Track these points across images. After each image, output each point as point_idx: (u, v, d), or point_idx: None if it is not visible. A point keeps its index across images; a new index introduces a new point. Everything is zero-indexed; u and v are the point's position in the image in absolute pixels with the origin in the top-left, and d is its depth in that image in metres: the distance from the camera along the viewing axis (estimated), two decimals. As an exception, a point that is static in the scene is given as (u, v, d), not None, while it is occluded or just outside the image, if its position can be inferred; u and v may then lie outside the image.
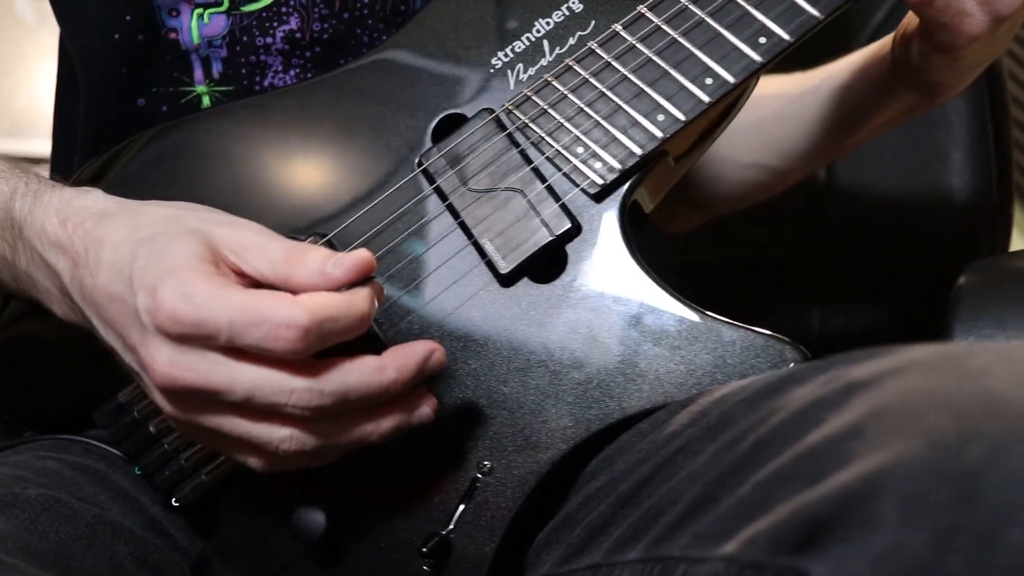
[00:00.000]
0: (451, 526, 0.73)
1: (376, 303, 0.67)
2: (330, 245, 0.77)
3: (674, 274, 0.98)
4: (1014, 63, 1.92)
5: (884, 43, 0.89)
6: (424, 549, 0.72)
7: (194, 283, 0.64)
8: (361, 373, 0.65)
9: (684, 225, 1.10)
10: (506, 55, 0.78)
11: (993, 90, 1.20)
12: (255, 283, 0.67)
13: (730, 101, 0.76)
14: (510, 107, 0.76)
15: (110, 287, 0.67)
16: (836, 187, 1.23)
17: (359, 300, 0.65)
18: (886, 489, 0.47)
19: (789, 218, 1.25)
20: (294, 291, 0.65)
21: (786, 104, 0.97)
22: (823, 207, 1.24)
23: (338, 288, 0.65)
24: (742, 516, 0.54)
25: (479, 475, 0.73)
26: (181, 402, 0.66)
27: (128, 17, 0.87)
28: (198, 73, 0.88)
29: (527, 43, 0.77)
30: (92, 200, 0.73)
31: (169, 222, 0.68)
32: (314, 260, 0.65)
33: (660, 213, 1.06)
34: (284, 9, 0.87)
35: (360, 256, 0.66)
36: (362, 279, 0.66)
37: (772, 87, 0.98)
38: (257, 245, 0.67)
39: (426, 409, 0.69)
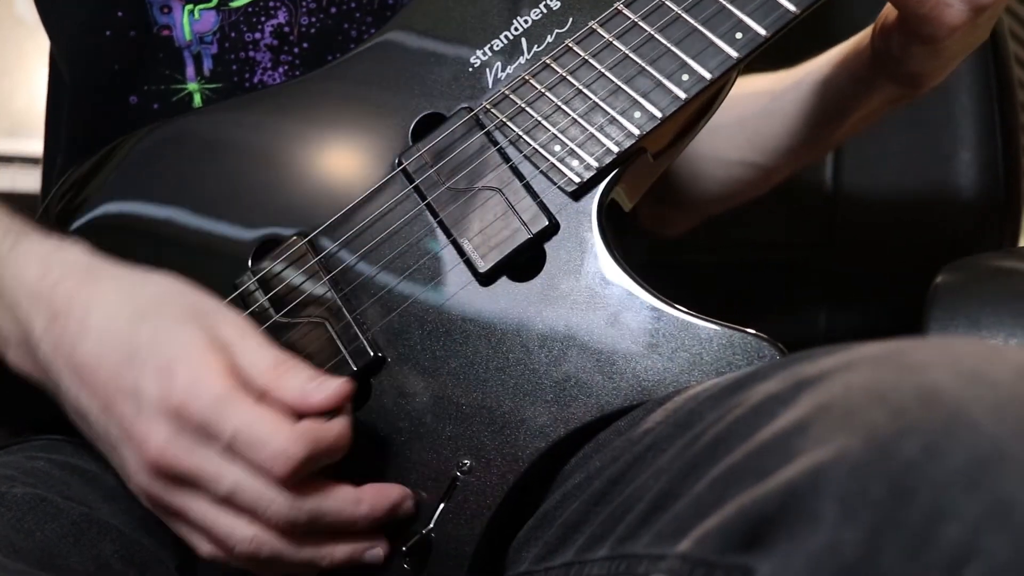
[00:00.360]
0: (431, 525, 0.73)
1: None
2: (311, 244, 0.77)
3: (677, 274, 0.99)
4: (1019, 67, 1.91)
5: (863, 36, 0.89)
6: (404, 548, 0.72)
7: (210, 379, 0.66)
8: (339, 501, 0.68)
9: (676, 228, 1.10)
10: (484, 53, 0.78)
11: (1001, 90, 1.19)
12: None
13: (708, 97, 0.75)
14: (488, 106, 0.76)
15: (103, 356, 0.68)
16: (843, 188, 1.23)
17: (344, 432, 0.68)
18: (826, 485, 0.48)
19: (797, 219, 1.24)
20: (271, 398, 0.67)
21: (769, 101, 0.97)
22: (830, 208, 1.23)
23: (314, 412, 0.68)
24: (697, 514, 0.54)
25: (459, 474, 0.73)
26: (162, 481, 0.68)
27: (120, 14, 0.87)
28: (190, 70, 0.88)
29: (505, 41, 0.77)
30: (76, 255, 0.73)
31: (169, 301, 0.70)
32: (297, 379, 0.68)
33: (651, 217, 1.06)
34: (272, 3, 0.87)
35: (341, 385, 0.68)
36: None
37: (755, 85, 0.97)
38: (250, 347, 0.69)
39: (378, 551, 0.71)
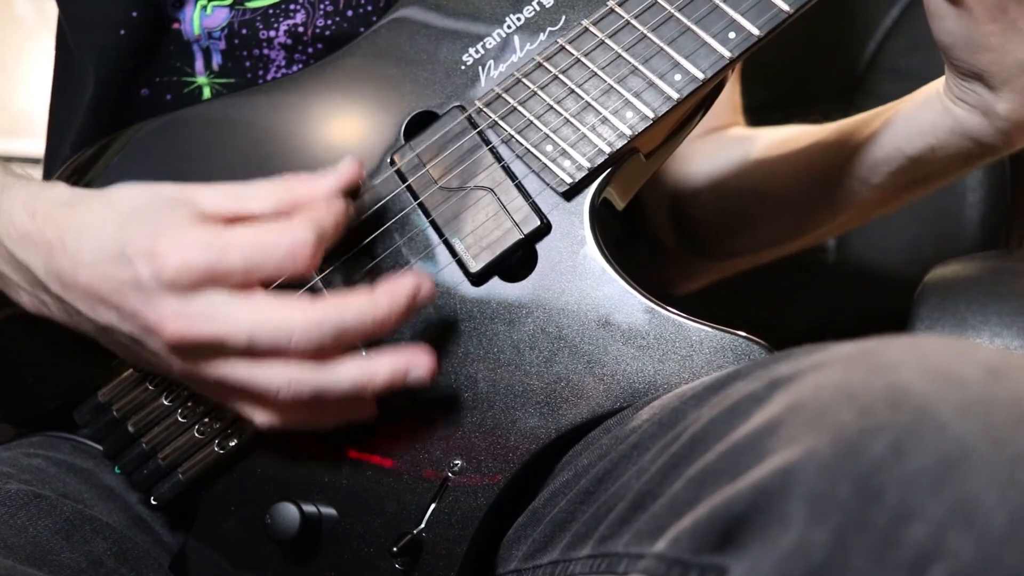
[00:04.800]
0: (422, 525, 0.73)
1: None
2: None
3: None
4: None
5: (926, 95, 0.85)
6: (395, 548, 0.72)
7: (194, 234, 0.67)
8: (356, 307, 0.67)
9: (694, 284, 1.10)
10: (477, 51, 0.77)
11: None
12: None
13: (701, 97, 0.75)
14: (480, 105, 0.76)
15: (97, 265, 0.68)
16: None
17: (340, 204, 0.71)
18: (795, 486, 0.47)
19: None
20: (295, 210, 0.70)
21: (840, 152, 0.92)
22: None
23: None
24: (673, 513, 0.54)
25: (450, 474, 0.73)
26: (189, 356, 0.69)
27: (134, 14, 0.87)
28: (199, 64, 0.89)
29: (498, 39, 0.77)
30: (59, 191, 0.74)
31: (146, 195, 0.70)
32: (313, 176, 0.72)
33: (676, 272, 1.05)
34: (292, 6, 0.87)
35: (353, 164, 0.72)
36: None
37: (823, 134, 0.95)
38: (248, 185, 0.71)
39: (421, 370, 0.69)
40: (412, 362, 0.69)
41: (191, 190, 0.70)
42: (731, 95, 1.06)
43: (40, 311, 0.75)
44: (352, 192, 0.74)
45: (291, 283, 0.76)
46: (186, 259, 0.66)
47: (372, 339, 0.70)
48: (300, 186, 0.71)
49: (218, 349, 0.67)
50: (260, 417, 0.71)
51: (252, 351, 0.67)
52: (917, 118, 0.83)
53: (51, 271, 0.71)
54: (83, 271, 0.69)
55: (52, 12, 0.98)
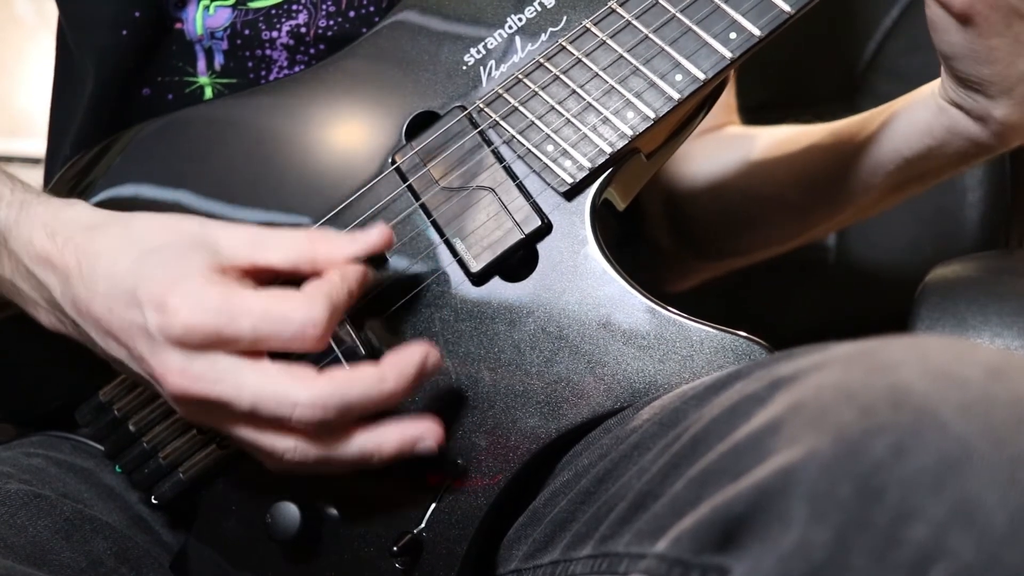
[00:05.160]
0: (423, 525, 0.73)
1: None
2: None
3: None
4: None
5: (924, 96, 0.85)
6: (396, 548, 0.72)
7: (206, 292, 0.65)
8: (361, 384, 0.66)
9: (690, 281, 1.10)
10: (478, 52, 0.78)
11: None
12: (265, 279, 0.69)
13: (703, 97, 0.75)
14: (481, 105, 0.76)
15: (110, 300, 0.68)
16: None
17: (358, 273, 0.69)
18: (796, 486, 0.48)
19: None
20: (317, 270, 0.68)
21: (836, 151, 0.93)
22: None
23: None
24: (674, 513, 0.54)
25: (451, 474, 0.73)
26: (194, 409, 0.68)
27: (137, 14, 0.87)
28: (201, 64, 0.89)
29: (499, 40, 0.77)
30: (79, 212, 0.73)
31: (168, 232, 0.69)
32: (339, 236, 0.70)
33: (674, 269, 1.05)
34: (295, 7, 0.87)
35: (382, 229, 0.70)
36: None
37: (819, 134, 0.95)
38: (271, 235, 0.69)
39: (430, 443, 0.68)
40: (421, 434, 0.68)
41: (213, 229, 0.69)
42: (725, 94, 1.06)
43: (58, 329, 0.75)
44: (376, 260, 0.72)
45: None
46: (194, 320, 0.65)
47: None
48: (323, 245, 0.69)
49: (222, 409, 0.67)
50: (270, 465, 0.70)
51: (255, 418, 0.66)
52: (913, 119, 0.83)
53: (67, 295, 0.71)
54: (97, 303, 0.69)
55: (52, 12, 0.98)
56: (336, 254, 0.69)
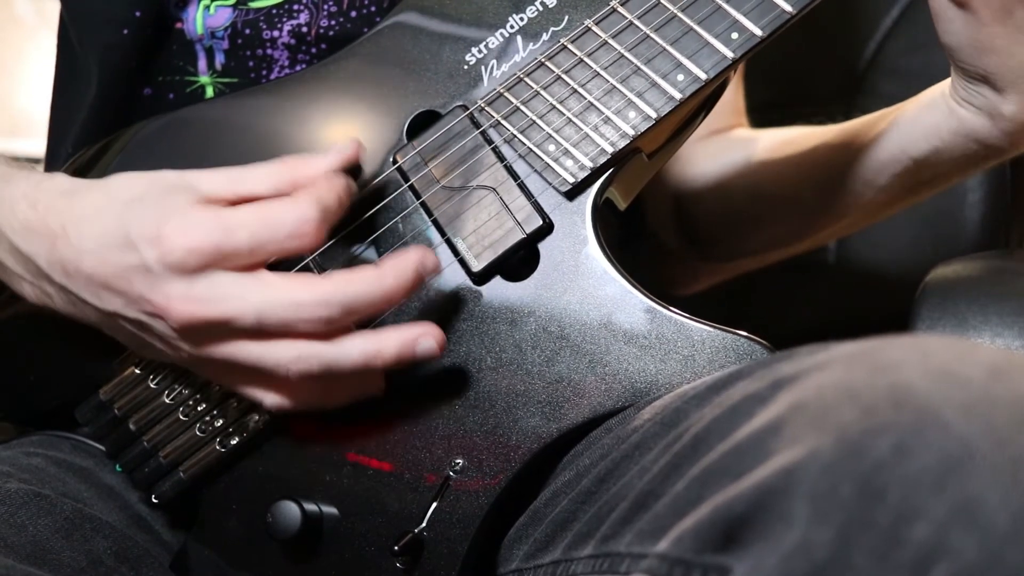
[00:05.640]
0: (423, 524, 0.73)
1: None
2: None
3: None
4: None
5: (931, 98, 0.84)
6: (396, 547, 0.72)
7: (198, 216, 0.67)
8: (362, 282, 0.68)
9: (696, 285, 1.10)
10: (479, 51, 0.77)
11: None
12: None
13: (704, 97, 0.75)
14: (483, 104, 0.76)
15: (101, 252, 0.69)
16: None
17: (341, 181, 0.71)
18: (798, 485, 0.47)
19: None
20: (296, 190, 0.69)
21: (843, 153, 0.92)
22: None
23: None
24: (675, 513, 0.54)
25: (451, 474, 0.73)
26: (198, 338, 0.69)
27: (137, 13, 0.87)
28: (202, 63, 0.89)
29: (500, 39, 0.77)
30: (59, 181, 0.74)
31: (147, 181, 0.71)
32: (314, 156, 0.72)
33: (681, 271, 1.06)
34: (296, 7, 0.87)
35: (352, 143, 0.73)
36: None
37: (828, 135, 0.95)
38: (249, 167, 0.71)
39: (429, 340, 0.69)
40: (421, 334, 0.69)
41: (191, 175, 0.70)
42: (734, 97, 1.06)
43: (43, 302, 0.75)
44: (353, 172, 0.73)
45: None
46: (192, 241, 0.66)
47: (379, 316, 0.70)
48: (300, 165, 0.71)
49: (227, 329, 0.68)
50: (270, 399, 0.71)
51: (260, 330, 0.67)
52: (922, 120, 0.83)
53: (54, 261, 0.71)
54: (87, 259, 0.69)
55: (52, 12, 0.98)
56: (314, 171, 0.71)
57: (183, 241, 0.66)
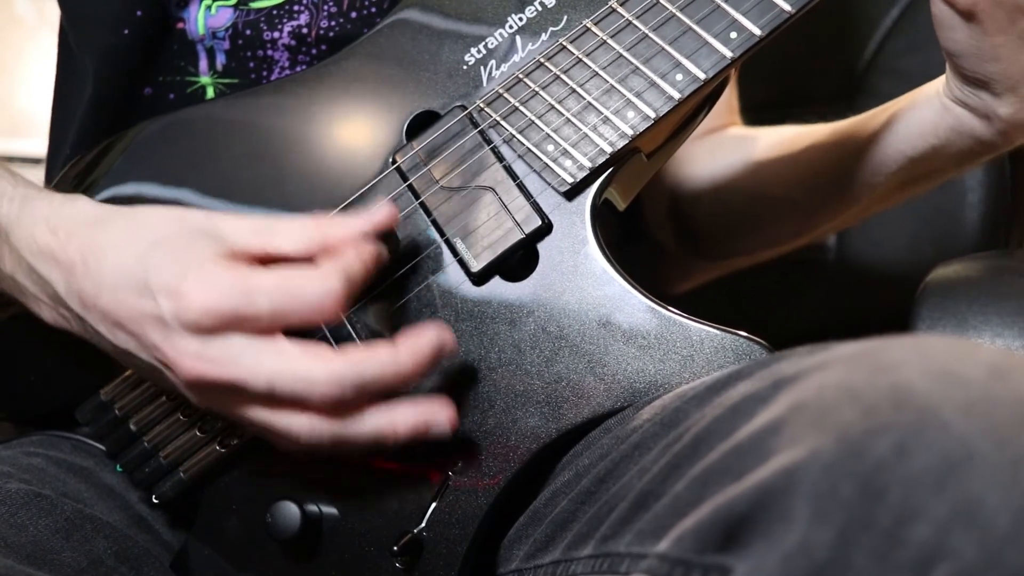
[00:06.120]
0: (423, 524, 0.73)
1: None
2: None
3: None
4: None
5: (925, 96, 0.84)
6: (396, 547, 0.72)
7: (220, 275, 0.66)
8: (377, 362, 0.66)
9: (691, 282, 1.10)
10: (479, 51, 0.78)
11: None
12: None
13: (703, 97, 0.75)
14: (482, 104, 0.76)
15: (118, 291, 0.68)
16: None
17: (370, 249, 0.69)
18: (798, 485, 0.47)
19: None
20: (324, 252, 0.68)
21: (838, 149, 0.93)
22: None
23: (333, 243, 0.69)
24: (675, 513, 0.54)
25: (451, 474, 0.73)
26: (207, 395, 0.68)
27: (139, 13, 0.87)
28: (203, 64, 0.89)
29: (499, 39, 0.77)
30: (82, 207, 0.73)
31: (173, 223, 0.69)
32: (346, 218, 0.70)
33: (676, 269, 1.05)
34: (296, 7, 0.87)
35: (388, 208, 0.71)
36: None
37: (820, 134, 0.95)
38: (278, 222, 0.69)
39: (444, 425, 0.68)
40: (434, 417, 0.68)
41: (218, 220, 0.69)
42: (727, 95, 1.06)
43: (60, 325, 0.75)
44: (386, 237, 0.72)
45: None
46: (210, 302, 0.65)
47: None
48: (331, 227, 0.70)
49: (237, 392, 0.67)
50: (282, 446, 0.70)
51: (271, 398, 0.66)
52: (917, 118, 0.83)
53: (72, 290, 0.71)
54: (104, 295, 0.69)
55: (52, 12, 0.98)
56: (345, 234, 0.69)
57: (202, 300, 0.65)
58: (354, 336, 0.74)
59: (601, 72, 0.73)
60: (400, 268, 0.75)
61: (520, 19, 0.77)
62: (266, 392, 0.66)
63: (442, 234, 0.75)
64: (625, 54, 0.73)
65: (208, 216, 0.70)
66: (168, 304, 0.66)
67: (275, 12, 0.87)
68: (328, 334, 0.74)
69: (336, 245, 0.69)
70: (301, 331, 0.68)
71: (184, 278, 0.66)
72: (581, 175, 0.73)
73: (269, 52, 0.88)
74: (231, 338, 0.66)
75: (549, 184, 0.74)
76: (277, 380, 0.65)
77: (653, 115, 0.72)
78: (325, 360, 0.66)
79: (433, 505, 0.73)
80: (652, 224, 1.07)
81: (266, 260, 0.68)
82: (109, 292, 0.69)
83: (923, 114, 0.83)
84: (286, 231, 0.69)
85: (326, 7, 0.87)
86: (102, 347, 0.73)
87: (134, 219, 0.71)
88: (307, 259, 0.69)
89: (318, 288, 0.66)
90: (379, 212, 0.71)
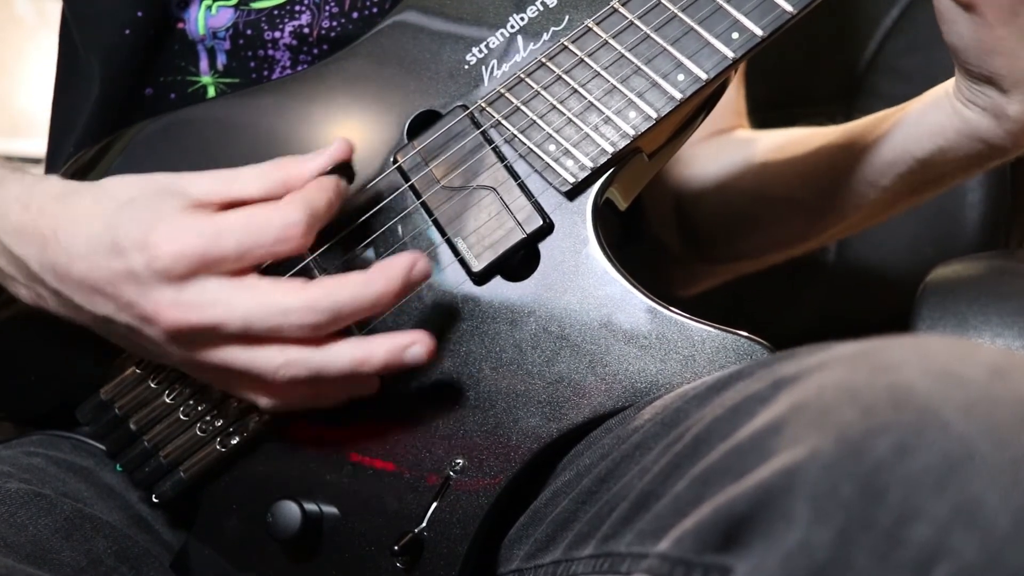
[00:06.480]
0: (423, 524, 0.73)
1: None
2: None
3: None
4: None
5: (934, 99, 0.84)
6: (396, 547, 0.72)
7: (185, 222, 0.67)
8: (350, 287, 0.68)
9: (697, 286, 1.10)
10: (480, 51, 0.78)
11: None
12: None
13: (705, 97, 0.75)
14: (483, 104, 0.76)
15: (91, 257, 0.69)
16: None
17: (331, 182, 0.71)
18: (799, 485, 0.48)
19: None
20: (287, 192, 0.70)
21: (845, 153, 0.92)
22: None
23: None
24: (676, 513, 0.54)
25: (451, 474, 0.73)
26: (187, 344, 0.69)
27: (139, 13, 0.88)
28: (203, 64, 0.89)
29: (501, 39, 0.77)
30: (52, 183, 0.74)
31: (137, 186, 0.71)
32: (304, 157, 0.72)
33: (679, 275, 1.06)
34: (298, 7, 0.87)
35: (341, 141, 0.72)
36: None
37: (828, 137, 0.95)
38: (239, 170, 0.71)
39: (418, 348, 0.69)
40: (411, 342, 0.69)
41: (182, 178, 0.71)
42: (735, 98, 1.06)
43: (38, 303, 0.75)
44: (345, 171, 0.73)
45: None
46: (179, 248, 0.66)
47: (369, 320, 0.70)
48: (290, 166, 0.71)
49: (215, 335, 0.68)
50: (263, 400, 0.72)
51: (248, 335, 0.68)
52: (926, 120, 0.83)
53: (46, 264, 0.71)
54: (77, 263, 0.70)
55: (52, 12, 0.98)
56: (305, 171, 0.71)
57: (170, 247, 0.66)
58: (353, 330, 0.74)
59: (603, 72, 0.73)
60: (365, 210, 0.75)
61: (522, 19, 0.77)
62: (242, 329, 0.67)
63: (443, 234, 0.75)
64: (627, 54, 0.73)
65: (171, 175, 0.71)
66: (139, 257, 0.67)
67: (276, 12, 0.87)
68: None
69: (297, 183, 0.70)
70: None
71: (152, 230, 0.67)
72: (582, 175, 0.73)
73: (270, 52, 0.88)
74: (204, 281, 0.67)
75: (550, 184, 0.74)
76: (252, 314, 0.67)
77: (655, 115, 0.72)
78: (298, 289, 0.67)
79: (434, 505, 0.73)
80: (654, 225, 1.07)
81: (232, 207, 0.70)
82: (81, 259, 0.70)
83: (932, 116, 0.83)
84: (246, 175, 0.71)
85: (327, 7, 0.87)
86: (81, 321, 0.74)
87: (101, 188, 0.72)
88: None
89: (281, 219, 0.67)
90: (336, 148, 0.72)
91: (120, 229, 0.68)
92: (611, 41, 0.74)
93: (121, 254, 0.68)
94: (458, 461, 0.73)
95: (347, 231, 0.76)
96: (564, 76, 0.74)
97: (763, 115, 1.11)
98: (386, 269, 0.69)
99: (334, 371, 0.69)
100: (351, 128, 0.80)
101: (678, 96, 0.72)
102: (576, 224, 0.74)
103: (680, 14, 0.72)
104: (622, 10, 0.74)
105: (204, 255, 0.67)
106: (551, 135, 0.74)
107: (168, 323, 0.68)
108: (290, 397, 0.71)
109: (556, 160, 0.73)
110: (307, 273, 0.76)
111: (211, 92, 0.89)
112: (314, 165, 0.71)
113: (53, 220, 0.71)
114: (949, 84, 0.81)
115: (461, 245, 0.74)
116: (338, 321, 0.68)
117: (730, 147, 1.03)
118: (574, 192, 0.74)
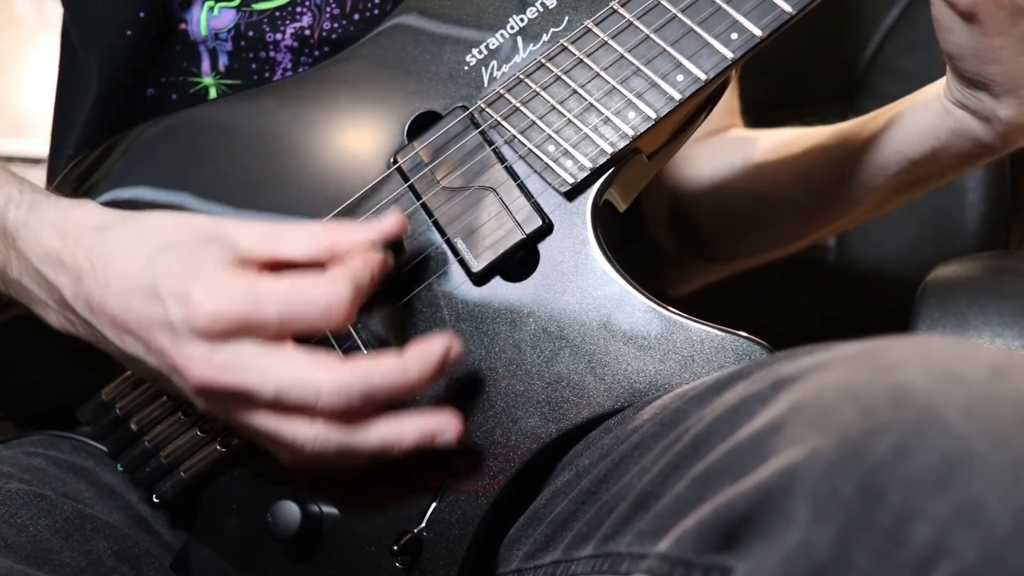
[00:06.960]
0: (423, 525, 0.73)
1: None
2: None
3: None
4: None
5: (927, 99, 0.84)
6: (396, 547, 0.72)
7: (229, 281, 0.66)
8: (385, 371, 0.66)
9: (693, 284, 1.10)
10: (480, 53, 0.78)
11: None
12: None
13: (704, 97, 0.75)
14: (483, 105, 0.76)
15: (126, 297, 0.68)
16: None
17: (378, 258, 0.69)
18: (799, 485, 0.48)
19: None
20: (333, 259, 0.68)
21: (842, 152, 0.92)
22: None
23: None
24: (676, 513, 0.54)
25: (451, 474, 0.73)
26: (215, 401, 0.68)
27: (141, 14, 0.88)
28: (205, 65, 0.89)
29: (501, 40, 0.77)
30: (88, 212, 0.73)
31: (181, 229, 0.69)
32: (355, 225, 0.71)
33: (675, 274, 1.06)
34: (299, 9, 0.87)
35: (397, 217, 0.71)
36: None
37: (822, 135, 0.95)
38: (286, 228, 0.70)
39: (449, 436, 0.68)
40: (441, 427, 0.68)
41: (227, 226, 0.69)
42: (728, 97, 1.06)
43: (67, 330, 0.75)
44: (394, 245, 0.72)
45: None
46: (220, 308, 0.65)
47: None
48: (339, 234, 0.70)
49: (245, 399, 0.67)
50: (285, 457, 0.70)
51: (279, 405, 0.66)
52: (917, 120, 0.84)
53: (79, 295, 0.71)
54: (112, 300, 0.69)
55: (52, 12, 0.98)
56: (353, 242, 0.69)
57: (211, 306, 0.65)
58: (354, 335, 0.74)
59: (602, 73, 0.73)
60: (401, 268, 0.75)
61: (521, 20, 0.77)
62: (273, 399, 0.66)
63: (443, 234, 0.75)
64: (626, 55, 0.73)
65: (216, 221, 0.70)
66: (177, 310, 0.66)
67: (278, 14, 0.87)
68: (329, 333, 0.74)
69: (344, 252, 0.69)
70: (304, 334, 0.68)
71: (193, 284, 0.66)
72: (582, 175, 0.73)
73: (272, 53, 0.88)
74: (240, 344, 0.66)
75: (550, 184, 0.74)
76: (285, 388, 0.65)
77: (654, 116, 0.72)
78: (333, 369, 0.66)
79: (433, 505, 0.73)
80: (652, 225, 1.07)
81: (274, 266, 0.68)
82: (117, 297, 0.69)
83: (923, 116, 0.83)
84: (295, 237, 0.69)
85: (329, 9, 0.87)
86: (108, 352, 0.73)
87: (142, 224, 0.71)
88: (315, 265, 0.69)
89: (326, 296, 0.66)
90: (388, 221, 0.71)
91: (160, 275, 0.67)
92: (610, 42, 0.74)
93: (159, 301, 0.67)
94: (458, 461, 0.73)
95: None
96: (563, 77, 0.74)
97: (762, 115, 1.11)
98: (422, 354, 0.67)
99: (364, 451, 0.68)
100: (352, 129, 0.80)
101: (677, 97, 0.72)
102: (575, 225, 0.74)
103: (679, 15, 0.72)
104: (621, 11, 0.74)
105: (244, 319, 0.65)
106: (551, 136, 0.74)
107: (197, 379, 0.66)
108: (314, 463, 0.70)
109: (555, 161, 0.73)
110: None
111: (212, 93, 0.89)
112: (365, 236, 0.70)
113: (89, 251, 0.70)
114: (939, 84, 0.82)
115: (461, 245, 0.74)
116: (370, 404, 0.67)
117: (726, 147, 1.03)
118: (573, 193, 0.74)
